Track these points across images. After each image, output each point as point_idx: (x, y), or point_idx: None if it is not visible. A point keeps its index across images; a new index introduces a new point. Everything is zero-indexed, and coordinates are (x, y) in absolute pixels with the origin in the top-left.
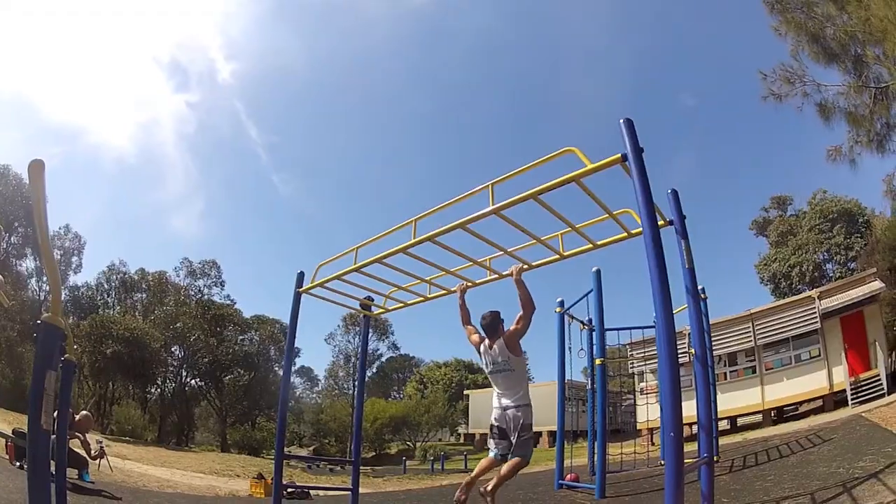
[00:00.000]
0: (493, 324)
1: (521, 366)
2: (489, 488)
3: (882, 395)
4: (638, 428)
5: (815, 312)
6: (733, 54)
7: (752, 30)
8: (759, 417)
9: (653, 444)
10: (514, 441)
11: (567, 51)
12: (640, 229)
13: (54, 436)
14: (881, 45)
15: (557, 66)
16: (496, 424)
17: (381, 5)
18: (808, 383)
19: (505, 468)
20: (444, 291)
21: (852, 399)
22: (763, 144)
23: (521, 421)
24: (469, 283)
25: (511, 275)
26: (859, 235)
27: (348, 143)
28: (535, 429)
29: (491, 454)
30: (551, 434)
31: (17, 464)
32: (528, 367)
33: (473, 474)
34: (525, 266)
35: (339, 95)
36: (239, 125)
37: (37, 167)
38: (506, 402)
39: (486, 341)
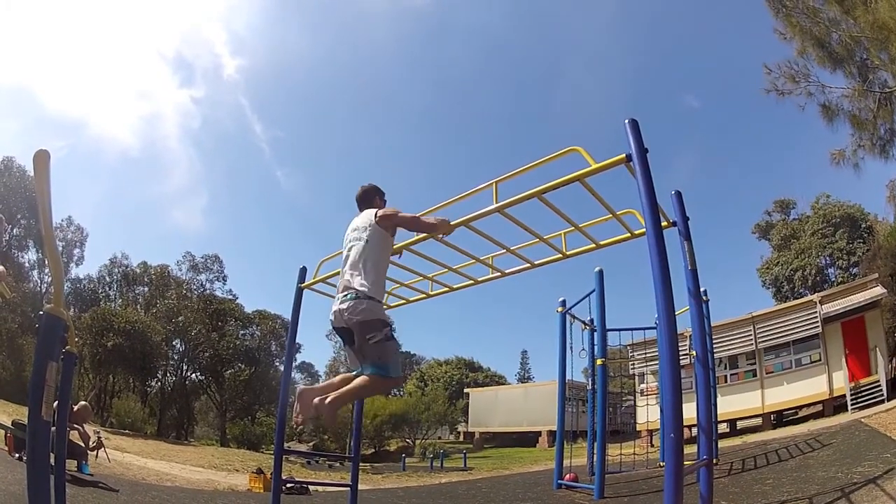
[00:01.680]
0: (368, 193)
1: (381, 241)
2: (327, 400)
3: (882, 401)
4: (637, 429)
5: (816, 317)
6: (738, 56)
7: (757, 31)
8: (758, 421)
9: (652, 445)
10: (358, 347)
11: (571, 50)
12: (644, 230)
13: (54, 427)
14: (887, 50)
15: (561, 65)
16: (334, 324)
17: (385, 2)
18: (808, 388)
19: (355, 383)
20: (446, 289)
21: (852, 404)
22: (766, 147)
23: (358, 316)
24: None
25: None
26: (862, 241)
27: (352, 139)
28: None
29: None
30: (551, 434)
31: (17, 455)
32: (390, 251)
33: (329, 381)
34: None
35: (343, 91)
36: (243, 120)
37: (42, 157)
38: (343, 288)
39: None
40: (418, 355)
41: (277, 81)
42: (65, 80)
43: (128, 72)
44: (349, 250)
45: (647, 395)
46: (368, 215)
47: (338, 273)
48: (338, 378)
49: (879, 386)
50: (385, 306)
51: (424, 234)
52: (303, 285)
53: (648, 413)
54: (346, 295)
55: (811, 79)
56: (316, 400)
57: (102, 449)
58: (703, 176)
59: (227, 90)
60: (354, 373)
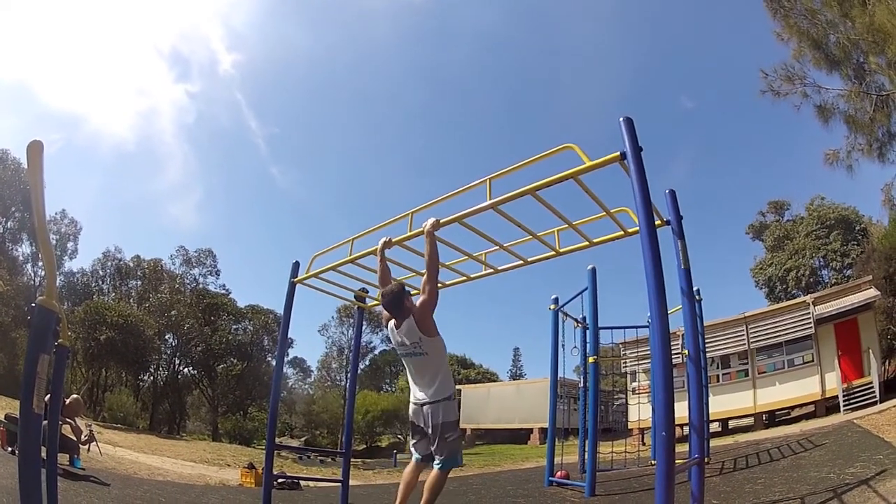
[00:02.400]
0: (396, 300)
1: (437, 349)
2: None
3: (874, 403)
4: (629, 427)
5: (809, 318)
6: (732, 57)
7: (752, 33)
8: (750, 420)
9: (643, 443)
10: (435, 443)
11: (567, 49)
12: (637, 228)
13: (46, 421)
14: (884, 54)
15: (557, 65)
16: (413, 421)
17: (383, 1)
18: (800, 388)
19: (428, 484)
20: (438, 285)
21: (844, 405)
22: (761, 149)
23: (439, 419)
24: (390, 239)
25: (423, 229)
26: (856, 243)
27: (347, 136)
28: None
29: (413, 457)
30: (543, 431)
31: (9, 449)
32: (446, 349)
33: (400, 494)
34: (440, 221)
35: (339, 88)
36: (239, 116)
37: (35, 148)
38: (420, 395)
39: (394, 321)
40: None
41: (273, 78)
42: (61, 74)
43: (124, 67)
44: (413, 363)
45: (639, 393)
46: (413, 328)
47: (331, 268)
48: (402, 490)
49: (872, 387)
50: (376, 301)
51: (418, 231)
52: (295, 280)
53: (640, 411)
54: (427, 404)
55: (807, 80)
56: None
57: (94, 443)
58: (697, 176)
59: (222, 86)
60: (414, 462)
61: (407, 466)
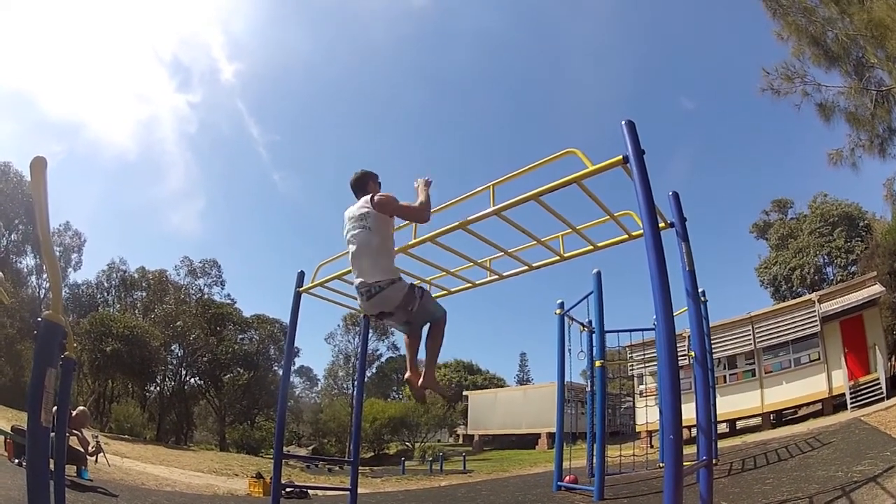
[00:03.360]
0: (361, 179)
1: (384, 227)
2: (422, 380)
3: (881, 399)
4: (637, 430)
5: (814, 316)
6: (731, 57)
7: (751, 32)
8: (758, 420)
9: (651, 446)
10: (410, 315)
11: (568, 52)
12: (641, 231)
13: (53, 433)
14: (883, 48)
15: (558, 66)
16: (369, 313)
17: (382, 6)
18: (807, 387)
19: (430, 343)
20: (444, 292)
21: (851, 403)
22: (763, 147)
23: (395, 303)
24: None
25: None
26: (860, 239)
27: (349, 142)
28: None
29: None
30: (550, 436)
31: (17, 461)
32: (392, 237)
33: (407, 354)
34: (430, 180)
35: (340, 94)
36: (241, 124)
37: (38, 164)
38: (360, 279)
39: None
40: (417, 358)
41: (274, 85)
42: (62, 84)
43: (125, 76)
44: (355, 239)
45: (646, 396)
46: (365, 202)
47: (336, 276)
48: (409, 354)
49: (879, 384)
50: None
51: (423, 238)
52: (301, 289)
53: (648, 414)
54: (370, 290)
55: (807, 78)
56: (420, 383)
57: (102, 454)
58: (699, 177)
59: (223, 94)
60: (407, 334)
61: (404, 337)
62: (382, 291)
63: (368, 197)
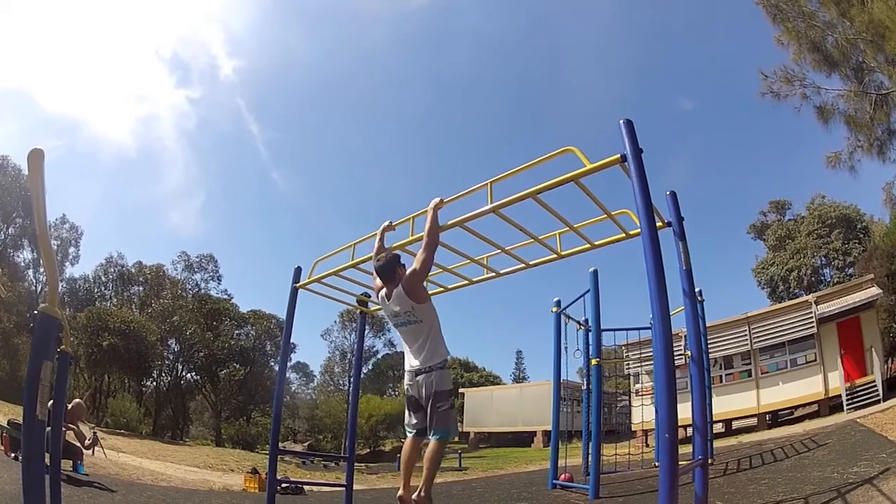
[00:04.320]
0: (388, 266)
1: (429, 315)
2: (421, 495)
3: (877, 401)
4: (633, 429)
5: (811, 317)
6: (731, 58)
7: (751, 34)
8: (754, 421)
9: (647, 445)
10: (428, 413)
11: (567, 52)
12: (639, 230)
13: (49, 427)
14: (883, 51)
15: (557, 67)
16: (410, 395)
17: (382, 6)
18: (803, 388)
19: (427, 456)
20: (441, 289)
21: (848, 404)
22: (761, 149)
23: (433, 388)
24: (391, 223)
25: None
26: (857, 241)
27: (348, 140)
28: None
29: (408, 432)
30: (546, 434)
31: (13, 455)
32: (437, 315)
33: (402, 471)
34: (444, 200)
35: (339, 93)
36: (240, 121)
37: (36, 156)
38: (414, 363)
39: (385, 289)
40: None
41: (274, 83)
42: (61, 80)
43: (125, 72)
44: (406, 332)
45: (642, 395)
46: (402, 296)
47: (333, 273)
48: (404, 468)
49: (875, 386)
50: (378, 306)
51: (420, 235)
52: (298, 285)
53: (643, 413)
54: (421, 372)
55: (806, 81)
56: (414, 499)
57: (98, 445)
58: (697, 177)
59: (223, 91)
60: (411, 438)
61: (405, 444)
62: (432, 372)
63: (404, 293)
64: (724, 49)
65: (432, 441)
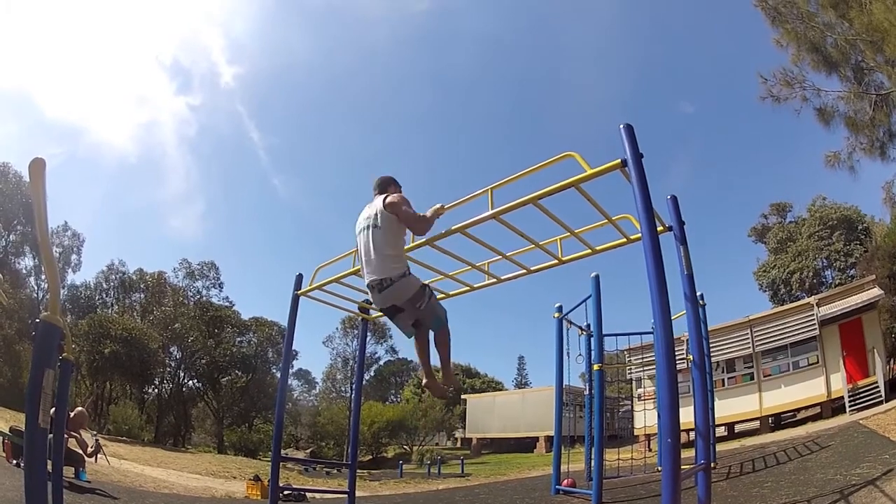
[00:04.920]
0: (385, 178)
1: (393, 227)
2: (448, 374)
3: (880, 403)
4: (635, 434)
5: (813, 319)
6: (731, 61)
7: (750, 36)
8: (756, 424)
9: (650, 450)
10: (419, 313)
11: (567, 54)
12: (640, 235)
13: (51, 435)
14: (882, 52)
15: (558, 70)
16: (381, 308)
17: (383, 9)
18: (805, 390)
19: (436, 345)
20: (442, 295)
21: (850, 406)
22: (762, 151)
23: (403, 297)
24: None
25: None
26: (858, 242)
27: (349, 146)
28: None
29: (409, 336)
30: (549, 439)
31: (14, 462)
32: (405, 236)
33: (421, 362)
34: (445, 207)
35: (340, 98)
36: (240, 128)
37: (37, 166)
38: (370, 277)
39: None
40: (415, 362)
41: (274, 89)
42: (63, 85)
43: (126, 78)
44: (366, 237)
45: (644, 399)
46: (378, 202)
47: (335, 280)
48: (422, 361)
49: (878, 387)
50: (380, 313)
51: (421, 241)
52: (299, 292)
53: (646, 418)
54: (383, 286)
55: (806, 83)
56: (444, 384)
57: (101, 452)
58: (698, 180)
59: (224, 97)
60: (415, 338)
61: (414, 344)
62: (393, 284)
63: (382, 197)
64: (723, 52)
65: (435, 334)
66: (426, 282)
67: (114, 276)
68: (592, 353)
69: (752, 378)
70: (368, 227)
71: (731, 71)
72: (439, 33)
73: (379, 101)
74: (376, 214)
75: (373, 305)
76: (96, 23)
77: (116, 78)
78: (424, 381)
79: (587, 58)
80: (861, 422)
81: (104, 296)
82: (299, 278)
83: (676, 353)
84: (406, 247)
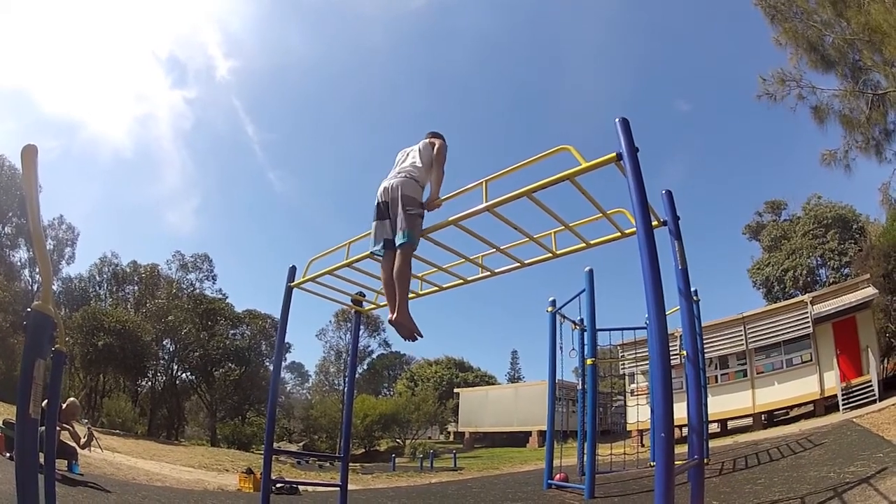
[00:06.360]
0: (434, 133)
1: (428, 151)
2: (397, 315)
3: (873, 401)
4: (628, 429)
5: (807, 317)
6: (728, 60)
7: (749, 36)
8: (749, 421)
9: (642, 445)
10: (396, 216)
11: (564, 53)
12: (634, 229)
13: (43, 427)
14: (880, 52)
15: (554, 68)
16: (379, 200)
17: (380, 5)
18: (799, 388)
19: (396, 273)
20: (435, 288)
21: (843, 404)
22: (757, 149)
23: (402, 190)
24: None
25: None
26: (853, 241)
27: (344, 140)
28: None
29: (377, 255)
30: (541, 433)
31: (8, 454)
32: (426, 178)
33: (386, 294)
34: (441, 199)
35: (336, 93)
36: (236, 122)
37: (29, 152)
38: (396, 171)
39: None
40: (408, 355)
41: (270, 83)
42: (59, 80)
43: (122, 72)
44: (402, 157)
45: (637, 394)
46: (424, 140)
47: (328, 272)
48: (388, 293)
49: (871, 386)
50: (373, 305)
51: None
52: (292, 284)
53: (639, 413)
54: (398, 173)
55: (802, 81)
56: (394, 318)
57: (95, 442)
58: (694, 178)
59: (219, 91)
60: (383, 263)
61: (382, 268)
62: (407, 179)
63: (429, 139)
64: (720, 51)
65: (398, 252)
66: (418, 274)
67: (107, 269)
68: (585, 347)
69: (745, 375)
70: (409, 151)
71: (727, 70)
72: (436, 31)
73: (375, 97)
74: (420, 147)
75: (365, 298)
76: (92, 17)
77: (112, 72)
78: (390, 316)
79: (584, 56)
80: (855, 420)
81: (97, 288)
82: (293, 270)
83: (670, 349)
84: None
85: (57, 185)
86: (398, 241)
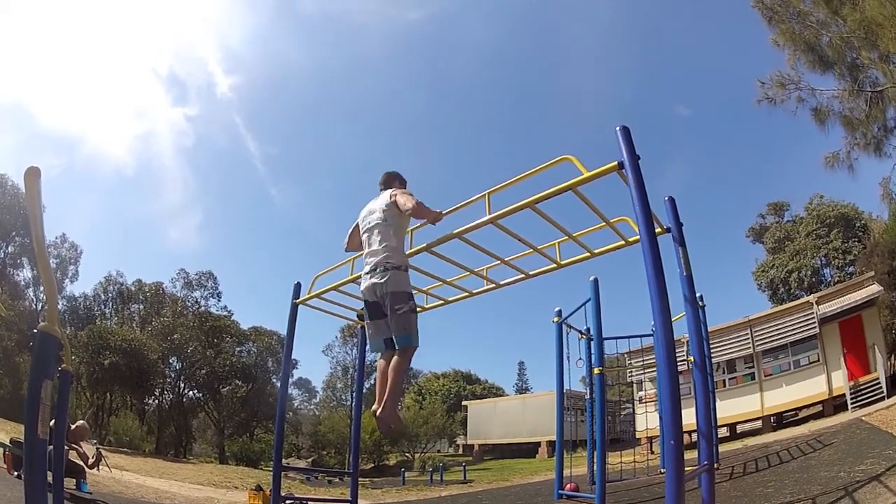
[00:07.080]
0: (390, 174)
1: (398, 223)
2: (386, 406)
3: (882, 399)
4: (637, 437)
5: (813, 318)
6: (727, 64)
7: (746, 39)
8: (758, 424)
9: (652, 452)
10: (389, 318)
11: (564, 60)
12: (638, 237)
13: (51, 446)
14: (876, 47)
15: (554, 75)
16: (366, 298)
17: (378, 18)
18: (807, 388)
19: (391, 367)
20: (441, 302)
21: (852, 403)
22: (758, 152)
23: (388, 287)
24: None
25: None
26: (857, 240)
27: (345, 154)
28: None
29: (377, 352)
30: (551, 444)
31: (16, 473)
32: (404, 237)
33: (377, 390)
34: (443, 213)
35: (336, 107)
36: (237, 138)
37: (32, 174)
38: (370, 260)
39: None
40: (415, 369)
41: (271, 99)
42: (60, 97)
43: (123, 90)
44: (370, 231)
45: (645, 402)
46: (385, 196)
47: (333, 288)
48: (379, 386)
49: (879, 383)
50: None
51: (419, 248)
52: (297, 301)
53: (648, 420)
54: (376, 270)
55: (801, 84)
56: (379, 413)
57: (104, 462)
58: (695, 183)
59: (220, 108)
60: (382, 355)
61: (378, 364)
62: (388, 271)
63: (389, 192)
64: (719, 55)
65: (397, 352)
66: (423, 288)
67: (112, 287)
68: (593, 356)
69: (753, 378)
70: (374, 221)
71: (727, 74)
72: (434, 40)
73: (375, 108)
74: (383, 209)
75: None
76: (93, 34)
77: (113, 89)
78: (374, 407)
79: (584, 62)
80: (863, 418)
81: (103, 307)
82: (298, 287)
83: (677, 355)
84: (405, 253)
85: (59, 202)
86: (398, 345)
